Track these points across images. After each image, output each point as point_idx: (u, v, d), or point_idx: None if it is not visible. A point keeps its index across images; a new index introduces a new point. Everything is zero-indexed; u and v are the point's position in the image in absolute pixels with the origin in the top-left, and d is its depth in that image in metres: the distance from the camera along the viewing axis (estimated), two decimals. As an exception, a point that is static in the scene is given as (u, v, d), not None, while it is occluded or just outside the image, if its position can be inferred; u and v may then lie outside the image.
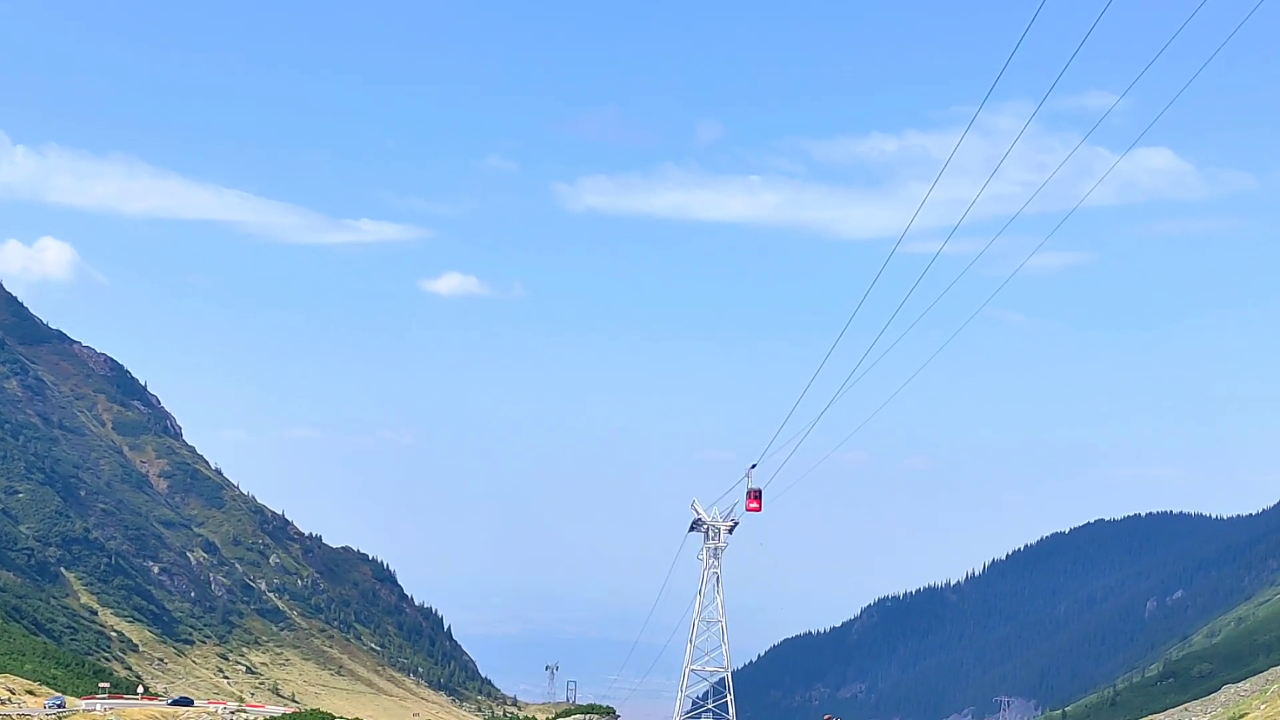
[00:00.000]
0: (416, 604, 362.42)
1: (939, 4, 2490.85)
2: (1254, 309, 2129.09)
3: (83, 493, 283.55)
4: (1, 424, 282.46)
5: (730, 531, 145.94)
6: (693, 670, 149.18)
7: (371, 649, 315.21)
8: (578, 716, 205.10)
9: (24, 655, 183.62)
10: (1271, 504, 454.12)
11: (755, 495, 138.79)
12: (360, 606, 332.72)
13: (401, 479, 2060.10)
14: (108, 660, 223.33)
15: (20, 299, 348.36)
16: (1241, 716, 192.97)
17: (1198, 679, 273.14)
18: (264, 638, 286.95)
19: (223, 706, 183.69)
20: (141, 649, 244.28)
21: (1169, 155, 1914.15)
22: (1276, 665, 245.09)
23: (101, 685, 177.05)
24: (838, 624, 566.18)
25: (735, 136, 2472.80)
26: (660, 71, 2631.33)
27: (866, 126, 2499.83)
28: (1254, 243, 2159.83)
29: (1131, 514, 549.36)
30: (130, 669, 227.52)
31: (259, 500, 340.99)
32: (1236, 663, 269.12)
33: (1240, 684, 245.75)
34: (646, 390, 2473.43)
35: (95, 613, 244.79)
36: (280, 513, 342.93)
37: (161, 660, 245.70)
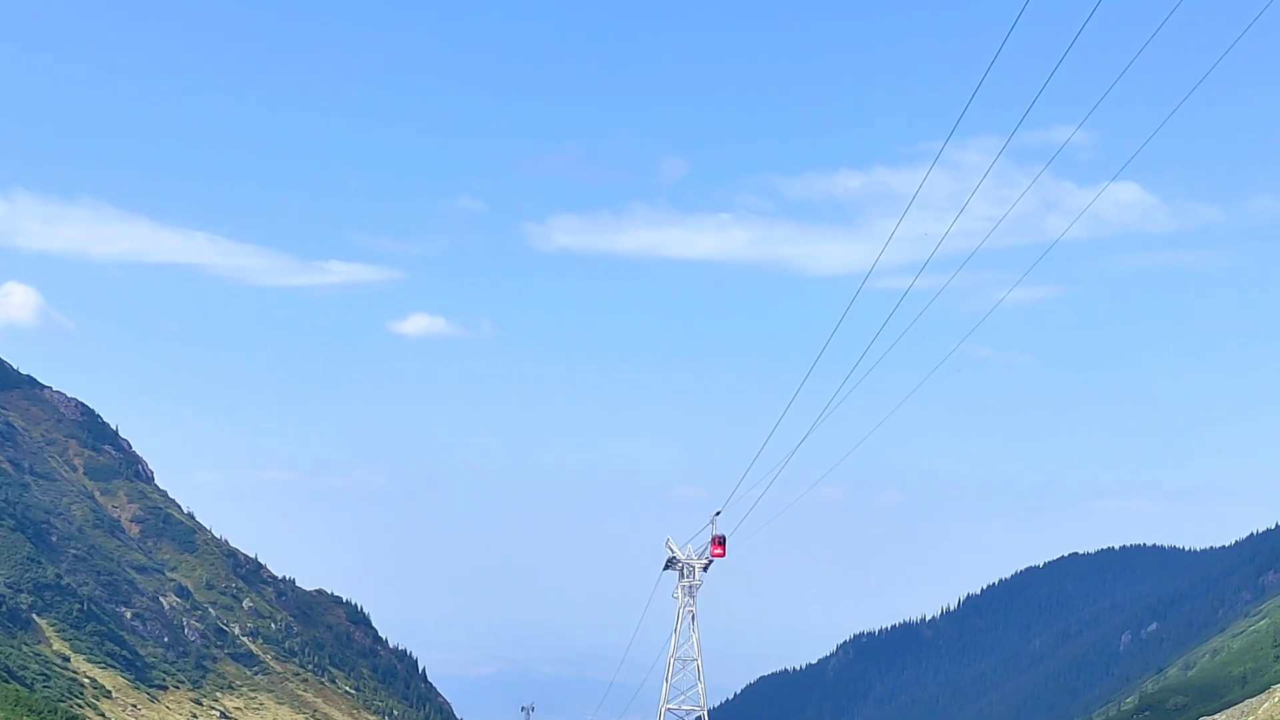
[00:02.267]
0: (391, 646, 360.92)
1: (906, 40, 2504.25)
2: (1223, 340, 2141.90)
3: (54, 538, 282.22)
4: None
5: (705, 569, 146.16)
6: (669, 709, 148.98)
7: (346, 692, 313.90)
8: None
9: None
10: (1244, 535, 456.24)
11: (720, 541, 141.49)
12: (334, 649, 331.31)
13: (375, 520, 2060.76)
14: (81, 707, 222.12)
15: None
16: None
17: (1173, 712, 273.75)
18: (238, 682, 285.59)
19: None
20: (115, 695, 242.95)
21: (1136, 189, 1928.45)
22: (1251, 697, 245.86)
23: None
24: (814, 660, 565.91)
25: (703, 174, 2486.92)
26: (623, 109, 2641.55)
27: (835, 163, 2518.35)
28: (1222, 276, 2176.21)
29: (1105, 547, 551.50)
30: (104, 715, 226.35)
31: (232, 544, 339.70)
32: (1212, 695, 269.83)
33: (1215, 716, 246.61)
34: (620, 429, 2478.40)
35: (68, 659, 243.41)
36: (253, 556, 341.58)
37: (135, 706, 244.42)
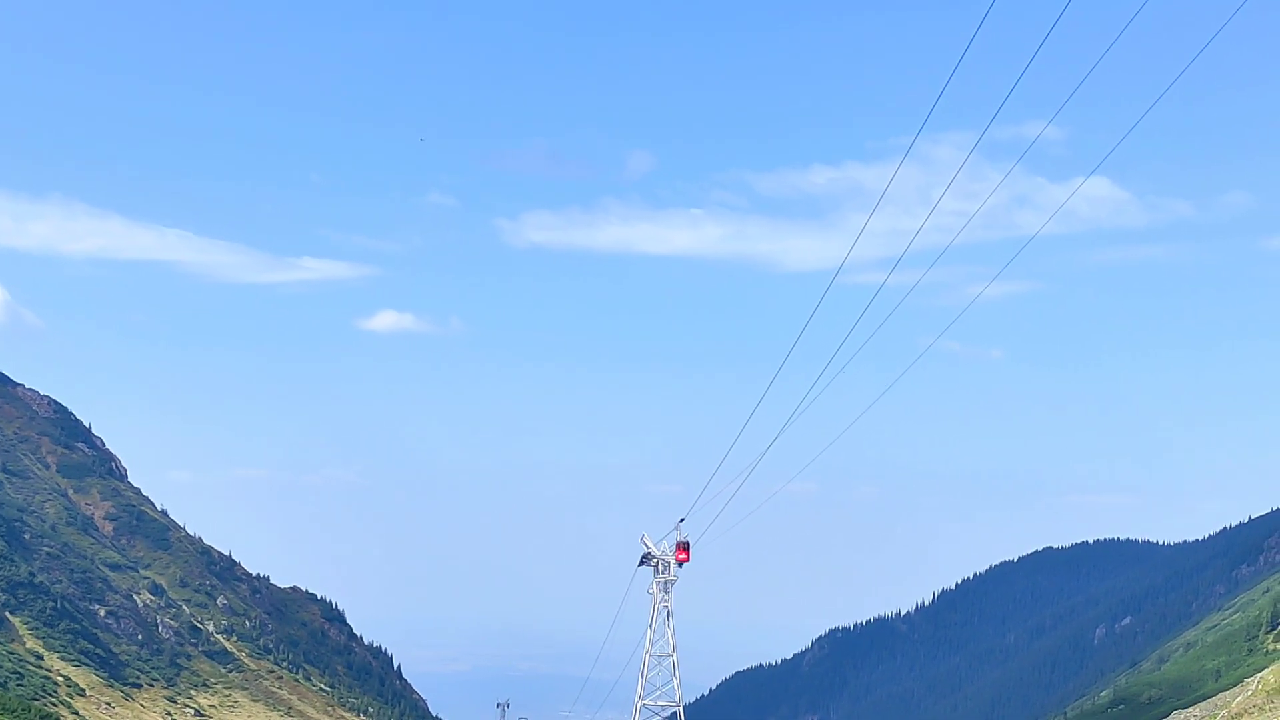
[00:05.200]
0: (366, 643, 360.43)
1: (878, 35, 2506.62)
2: (1195, 335, 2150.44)
3: (27, 536, 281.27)
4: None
5: (680, 565, 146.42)
6: (644, 705, 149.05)
7: (321, 689, 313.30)
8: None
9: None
10: (1217, 529, 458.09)
11: (684, 548, 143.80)
12: (309, 646, 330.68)
13: (349, 517, 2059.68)
14: (55, 705, 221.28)
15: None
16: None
17: (1147, 705, 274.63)
18: (212, 679, 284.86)
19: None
20: (89, 693, 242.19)
21: (1106, 184, 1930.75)
22: (1224, 691, 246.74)
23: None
24: (789, 656, 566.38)
25: (676, 170, 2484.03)
26: (589, 105, 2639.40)
27: (807, 158, 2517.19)
28: (1194, 270, 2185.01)
29: (1079, 541, 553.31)
30: (78, 714, 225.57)
31: (206, 541, 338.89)
32: (1185, 689, 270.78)
33: (1189, 709, 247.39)
34: (594, 425, 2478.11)
35: (41, 657, 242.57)
36: (227, 553, 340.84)
37: (109, 704, 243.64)
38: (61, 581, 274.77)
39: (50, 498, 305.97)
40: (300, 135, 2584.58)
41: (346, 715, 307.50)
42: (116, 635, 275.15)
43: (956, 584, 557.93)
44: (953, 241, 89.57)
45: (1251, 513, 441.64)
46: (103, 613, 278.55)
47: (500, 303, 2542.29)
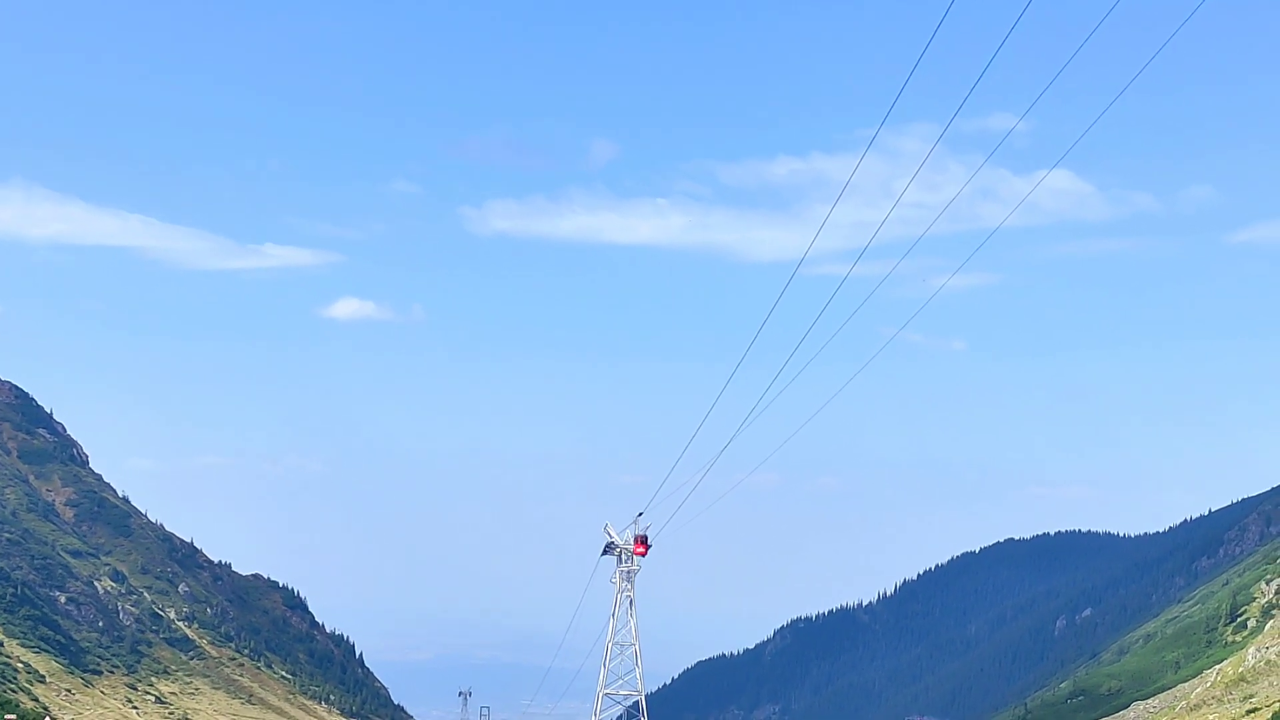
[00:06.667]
0: (328, 631, 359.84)
1: (844, 25, 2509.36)
2: (1157, 328, 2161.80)
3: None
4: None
5: (644, 554, 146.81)
6: (606, 694, 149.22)
7: (282, 677, 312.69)
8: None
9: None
10: (1178, 522, 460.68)
11: (641, 540, 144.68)
12: (271, 634, 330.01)
13: (311, 505, 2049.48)
14: (14, 692, 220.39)
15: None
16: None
17: (1107, 696, 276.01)
18: (173, 667, 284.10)
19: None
20: (49, 680, 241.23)
21: (1069, 176, 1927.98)
22: (1184, 682, 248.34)
23: (8, 717, 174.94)
24: (751, 646, 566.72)
25: (640, 159, 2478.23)
26: (553, 94, 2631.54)
27: (772, 149, 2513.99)
28: (1156, 263, 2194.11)
29: (1041, 533, 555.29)
30: (37, 700, 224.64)
31: (167, 528, 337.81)
32: (1145, 680, 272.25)
33: (1149, 700, 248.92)
34: (557, 414, 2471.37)
35: (1, 644, 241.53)
36: (189, 540, 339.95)
37: (69, 691, 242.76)
38: (22, 568, 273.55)
39: (11, 483, 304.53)
40: (264, 121, 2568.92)
41: (308, 703, 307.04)
42: (77, 622, 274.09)
43: (918, 575, 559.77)
44: (923, 235, 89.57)
45: (1212, 505, 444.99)
46: (63, 599, 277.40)
47: (463, 291, 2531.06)
